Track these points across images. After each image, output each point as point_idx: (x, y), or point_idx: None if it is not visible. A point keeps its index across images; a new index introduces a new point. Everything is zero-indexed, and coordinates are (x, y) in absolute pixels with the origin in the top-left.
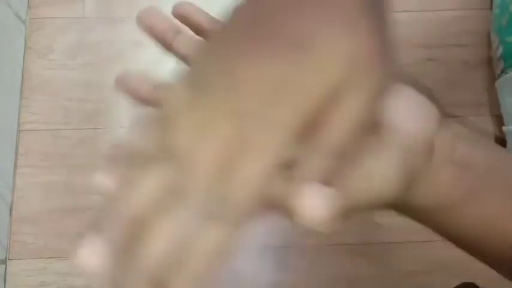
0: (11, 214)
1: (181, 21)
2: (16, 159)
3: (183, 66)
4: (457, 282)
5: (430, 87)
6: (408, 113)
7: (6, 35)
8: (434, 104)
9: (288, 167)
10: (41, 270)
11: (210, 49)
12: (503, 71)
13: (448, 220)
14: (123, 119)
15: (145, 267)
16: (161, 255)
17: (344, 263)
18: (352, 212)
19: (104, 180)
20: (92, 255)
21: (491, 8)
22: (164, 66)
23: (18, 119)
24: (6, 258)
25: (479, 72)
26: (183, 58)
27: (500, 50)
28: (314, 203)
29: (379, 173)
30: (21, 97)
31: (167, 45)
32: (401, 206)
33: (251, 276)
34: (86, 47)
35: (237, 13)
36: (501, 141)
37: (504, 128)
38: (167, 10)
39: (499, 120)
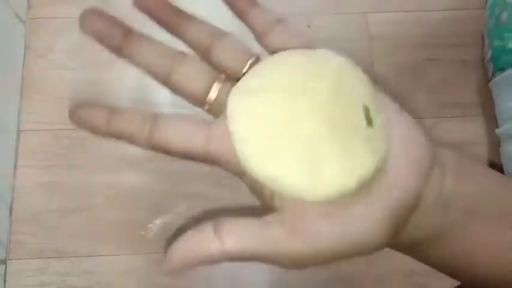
0: (11, 214)
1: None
2: (16, 159)
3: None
4: (457, 283)
5: (430, 87)
6: (402, 158)
7: (6, 35)
8: (426, 136)
9: None
10: (41, 270)
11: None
12: (493, 74)
13: (424, 254)
14: None
15: None
16: None
17: (343, 263)
18: (337, 259)
19: None
20: None
21: None
22: None
23: (18, 119)
24: (6, 258)
25: (479, 72)
26: (139, 63)
27: (490, 53)
28: None
29: (366, 225)
30: (21, 97)
31: (117, 49)
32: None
33: (251, 276)
34: (86, 47)
35: None
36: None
37: (497, 131)
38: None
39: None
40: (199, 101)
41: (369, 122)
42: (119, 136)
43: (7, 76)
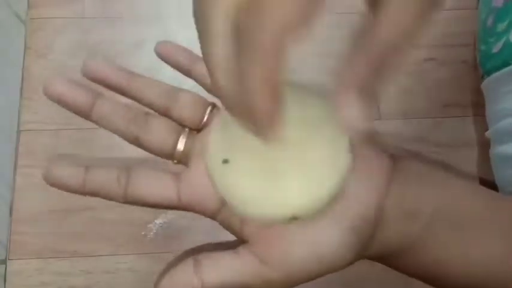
0: (11, 214)
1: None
2: (16, 159)
3: None
4: None
5: (430, 87)
6: (361, 176)
7: (6, 35)
8: (384, 153)
9: None
10: (41, 270)
11: None
12: (482, 77)
13: (398, 264)
14: None
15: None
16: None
17: None
18: (310, 278)
19: None
20: None
21: None
22: (164, 67)
23: (18, 119)
24: (6, 258)
25: (478, 72)
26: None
27: (478, 57)
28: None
29: (331, 241)
30: (21, 97)
31: (86, 114)
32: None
33: None
34: (86, 47)
35: None
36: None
37: (486, 133)
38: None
39: None
40: (168, 155)
41: (333, 144)
42: (95, 194)
43: (7, 76)
